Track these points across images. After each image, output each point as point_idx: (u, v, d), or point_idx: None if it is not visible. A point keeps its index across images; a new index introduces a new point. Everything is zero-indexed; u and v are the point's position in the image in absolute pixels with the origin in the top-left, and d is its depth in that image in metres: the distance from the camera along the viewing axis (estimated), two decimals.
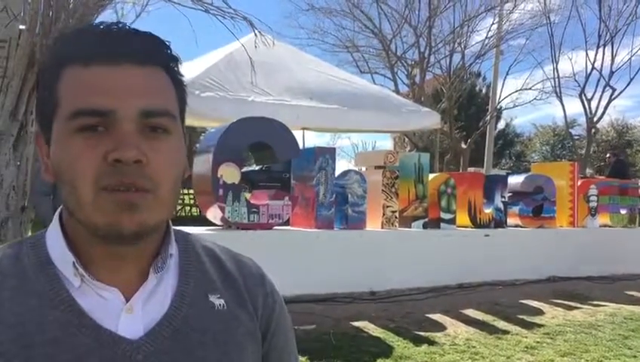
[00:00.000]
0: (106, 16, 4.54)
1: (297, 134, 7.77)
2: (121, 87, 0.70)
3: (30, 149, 4.15)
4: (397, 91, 17.04)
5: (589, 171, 20.44)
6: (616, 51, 20.08)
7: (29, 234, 4.59)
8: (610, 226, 8.79)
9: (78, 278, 0.73)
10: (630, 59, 20.19)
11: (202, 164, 5.76)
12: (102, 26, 0.73)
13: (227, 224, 5.80)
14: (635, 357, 4.47)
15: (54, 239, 0.76)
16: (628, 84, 20.46)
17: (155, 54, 0.74)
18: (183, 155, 0.77)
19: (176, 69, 0.77)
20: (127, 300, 0.74)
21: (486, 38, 17.95)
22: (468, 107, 24.33)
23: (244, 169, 6.07)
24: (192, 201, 12.38)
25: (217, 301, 0.80)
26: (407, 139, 18.76)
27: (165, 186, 0.71)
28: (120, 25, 0.73)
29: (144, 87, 0.71)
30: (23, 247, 0.78)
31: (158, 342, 0.73)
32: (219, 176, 5.59)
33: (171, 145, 0.73)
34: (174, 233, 0.82)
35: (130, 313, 0.73)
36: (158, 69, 0.74)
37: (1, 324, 0.70)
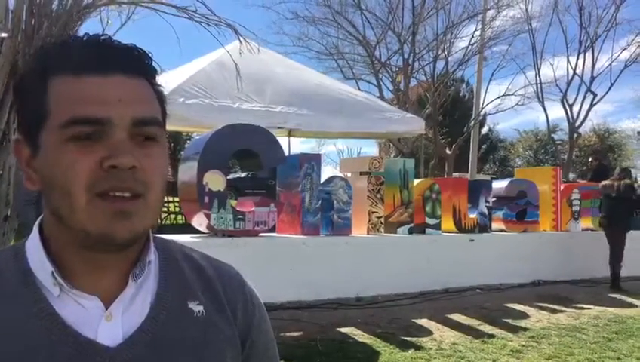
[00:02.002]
0: (90, 24, 4.50)
1: (283, 141, 7.78)
2: (114, 97, 0.71)
3: (13, 158, 4.11)
4: (382, 97, 17.09)
5: (571, 176, 20.66)
6: (597, 57, 20.40)
7: (12, 243, 4.54)
8: (592, 230, 8.88)
9: (57, 287, 0.73)
10: (610, 64, 20.52)
11: (187, 171, 5.75)
12: (87, 38, 0.75)
13: (213, 231, 5.79)
14: (619, 359, 4.52)
15: (34, 249, 0.77)
16: (609, 89, 20.78)
17: (141, 66, 0.76)
18: (167, 163, 0.79)
19: (155, 80, 0.79)
20: (107, 307, 0.75)
21: (469, 44, 18.10)
22: (452, 113, 24.50)
23: (230, 176, 6.06)
24: (177, 209, 12.30)
25: (196, 307, 0.81)
26: (392, 145, 18.85)
27: (155, 191, 0.73)
28: (104, 36, 0.75)
29: (135, 97, 0.73)
30: (2, 257, 0.78)
31: (137, 348, 0.74)
32: (204, 183, 5.58)
33: (159, 152, 0.75)
34: (154, 240, 0.83)
35: (109, 320, 0.74)
36: (143, 80, 0.76)
37: None
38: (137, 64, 0.75)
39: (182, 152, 6.06)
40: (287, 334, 4.80)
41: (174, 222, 12.94)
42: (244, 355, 0.84)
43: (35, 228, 0.79)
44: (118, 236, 0.70)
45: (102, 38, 0.75)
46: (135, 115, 0.72)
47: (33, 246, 0.77)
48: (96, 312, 0.74)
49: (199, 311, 0.81)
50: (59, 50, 0.75)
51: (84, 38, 0.75)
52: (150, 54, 0.77)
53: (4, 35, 4.07)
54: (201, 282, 0.85)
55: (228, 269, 0.91)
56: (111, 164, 0.69)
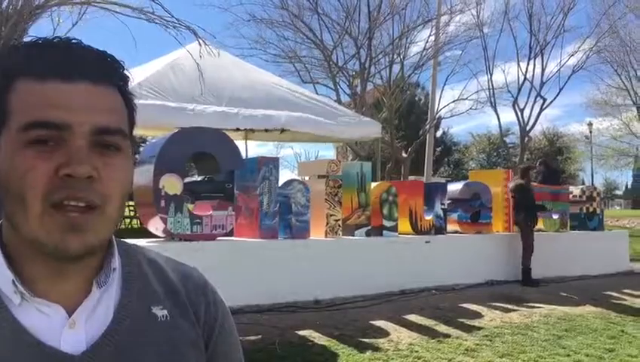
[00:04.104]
0: (41, 24, 4.40)
1: (240, 144, 7.74)
2: (77, 104, 0.70)
3: None
4: (339, 101, 17.20)
5: None
6: (546, 63, 21.11)
7: None
8: (543, 231, 9.16)
9: (18, 295, 0.72)
10: (559, 70, 21.27)
11: (143, 174, 5.65)
12: (57, 40, 0.74)
13: (169, 235, 5.71)
14: (568, 356, 4.67)
15: None
16: (557, 94, 21.53)
17: (110, 73, 0.75)
18: (131, 174, 0.78)
19: (126, 88, 0.78)
20: (70, 315, 0.74)
21: (424, 49, 18.43)
22: (408, 116, 24.89)
23: (186, 180, 5.99)
24: (132, 213, 12.06)
25: (160, 312, 0.81)
26: (349, 149, 18.98)
27: (113, 203, 0.72)
28: (75, 41, 0.74)
29: (99, 105, 0.72)
30: None
31: (101, 356, 0.73)
32: (160, 186, 5.50)
33: (121, 163, 0.74)
34: (117, 245, 0.82)
35: (72, 328, 0.73)
36: (112, 88, 0.75)
37: None
38: (106, 72, 0.74)
39: (137, 156, 5.96)
40: (247, 338, 4.78)
41: (129, 226, 12.69)
42: (207, 357, 0.85)
43: None
44: (71, 249, 0.70)
45: (72, 41, 0.74)
46: (96, 124, 0.71)
47: None
48: (59, 320, 0.73)
49: (163, 316, 0.81)
50: (26, 51, 0.73)
51: (54, 41, 0.73)
52: (122, 62, 0.77)
53: None
54: (165, 286, 0.85)
55: (191, 271, 0.91)
56: (67, 172, 0.68)
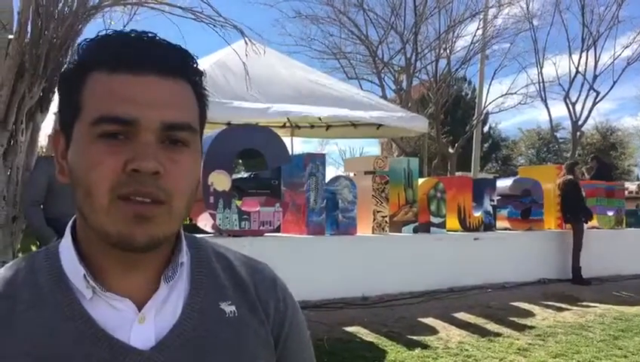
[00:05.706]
0: (96, 24, 4.52)
1: (286, 141, 7.78)
2: (145, 98, 0.70)
3: (20, 159, 4.12)
4: (384, 97, 17.08)
5: None
6: (599, 55, 20.35)
7: (19, 244, 4.55)
8: (597, 228, 8.88)
9: (90, 290, 0.73)
10: (613, 62, 20.48)
11: None
12: (131, 34, 0.73)
13: (218, 231, 5.79)
14: (625, 357, 4.52)
15: (66, 251, 0.76)
16: (611, 88, 20.73)
17: (181, 67, 0.74)
18: (199, 169, 0.77)
19: (200, 83, 0.78)
20: (140, 309, 0.74)
21: (471, 43, 18.09)
22: (454, 112, 24.51)
23: (233, 176, 6.06)
24: None
25: (228, 308, 0.80)
26: (394, 145, 18.85)
27: (179, 199, 0.72)
28: (149, 34, 0.73)
29: (167, 99, 0.71)
30: (36, 260, 0.78)
31: (169, 351, 0.73)
32: (210, 183, 5.58)
33: (189, 158, 0.73)
34: (186, 239, 0.82)
35: (142, 323, 0.74)
36: (183, 82, 0.74)
37: (16, 337, 0.70)
38: (176, 65, 0.73)
39: None
40: None
41: None
42: (277, 354, 0.84)
43: (68, 229, 0.78)
44: (136, 239, 0.70)
45: (146, 35, 0.73)
46: (164, 119, 0.70)
47: (66, 248, 0.77)
48: (128, 314, 0.74)
49: (231, 312, 0.80)
50: (99, 44, 0.73)
51: (130, 34, 0.73)
52: (195, 56, 0.76)
53: (10, 37, 4.08)
54: (233, 281, 0.84)
55: (261, 268, 0.91)
56: (133, 167, 0.68)
